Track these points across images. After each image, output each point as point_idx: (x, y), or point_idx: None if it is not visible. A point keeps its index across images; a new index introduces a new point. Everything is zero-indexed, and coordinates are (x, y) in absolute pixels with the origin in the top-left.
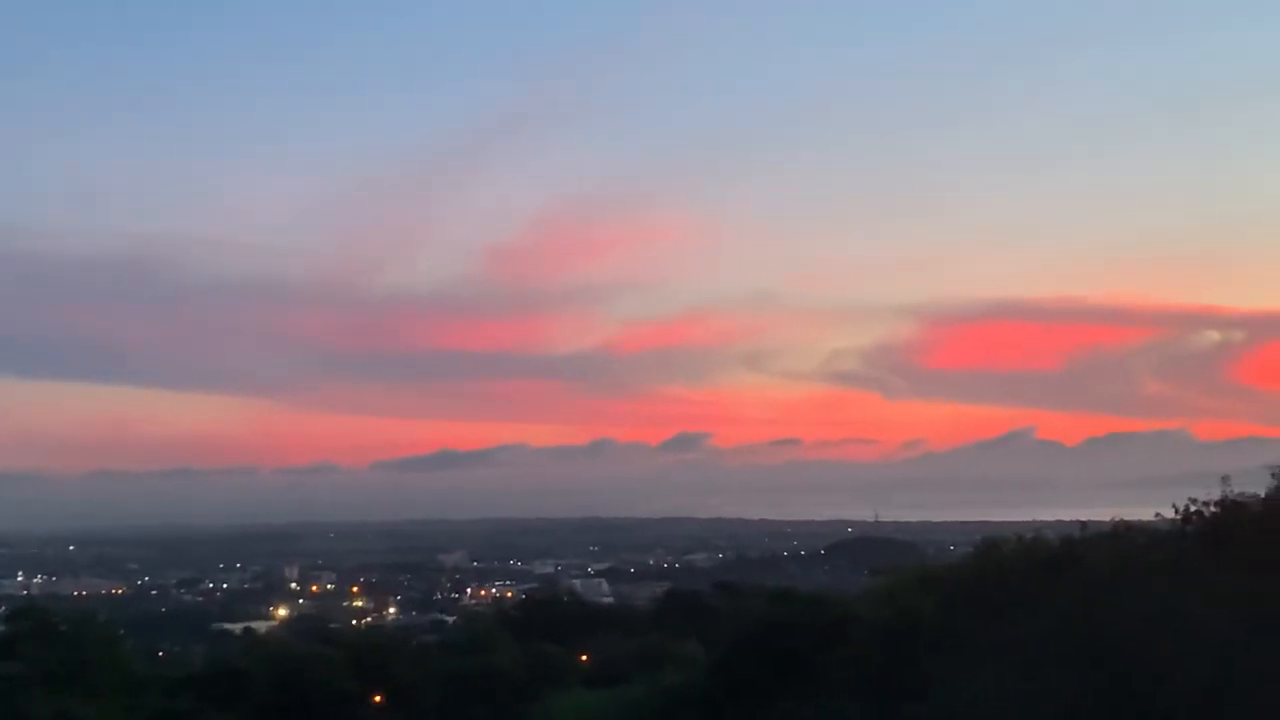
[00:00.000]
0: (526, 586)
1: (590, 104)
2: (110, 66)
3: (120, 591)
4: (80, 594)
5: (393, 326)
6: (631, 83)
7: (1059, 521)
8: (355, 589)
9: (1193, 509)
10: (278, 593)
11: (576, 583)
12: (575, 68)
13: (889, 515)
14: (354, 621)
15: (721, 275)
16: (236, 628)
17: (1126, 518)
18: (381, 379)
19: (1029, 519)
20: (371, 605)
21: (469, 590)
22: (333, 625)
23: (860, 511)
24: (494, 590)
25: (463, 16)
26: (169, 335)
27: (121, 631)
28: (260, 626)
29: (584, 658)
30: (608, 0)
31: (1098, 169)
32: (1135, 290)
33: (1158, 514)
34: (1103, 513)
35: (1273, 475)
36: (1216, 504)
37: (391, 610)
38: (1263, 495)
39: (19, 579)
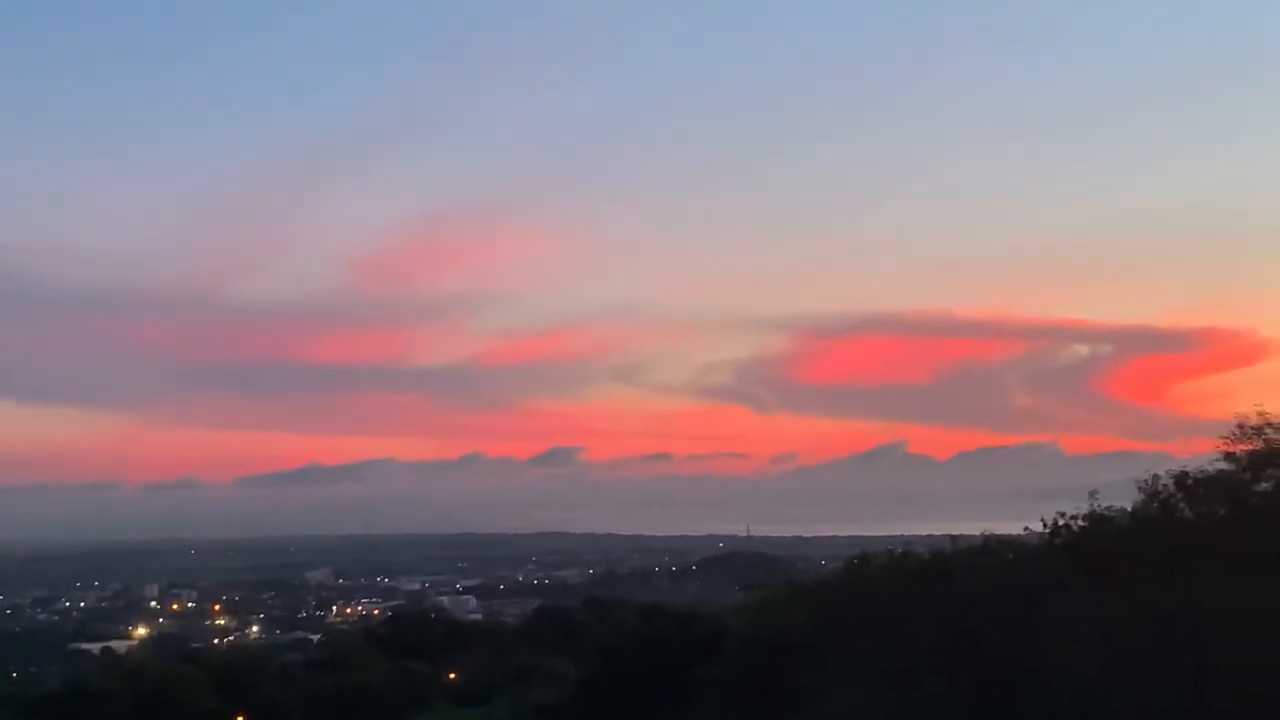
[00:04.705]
0: (393, 604)
1: (456, 111)
2: None
3: None
4: None
5: (256, 338)
6: (496, 89)
7: (930, 536)
8: (217, 607)
9: (1061, 523)
10: (137, 612)
11: (444, 599)
12: (439, 74)
13: (761, 530)
14: (216, 641)
15: (591, 287)
16: (94, 648)
17: (996, 531)
18: (246, 392)
19: (900, 533)
20: (234, 624)
21: (334, 608)
22: (194, 645)
23: (732, 526)
24: (360, 608)
25: (325, 23)
26: (26, 347)
27: None
28: (119, 646)
29: (452, 675)
30: (471, 6)
31: (966, 182)
32: (1004, 304)
33: (1027, 528)
34: (973, 527)
35: (1139, 489)
36: (1084, 518)
37: (254, 629)
38: (1129, 509)
39: None
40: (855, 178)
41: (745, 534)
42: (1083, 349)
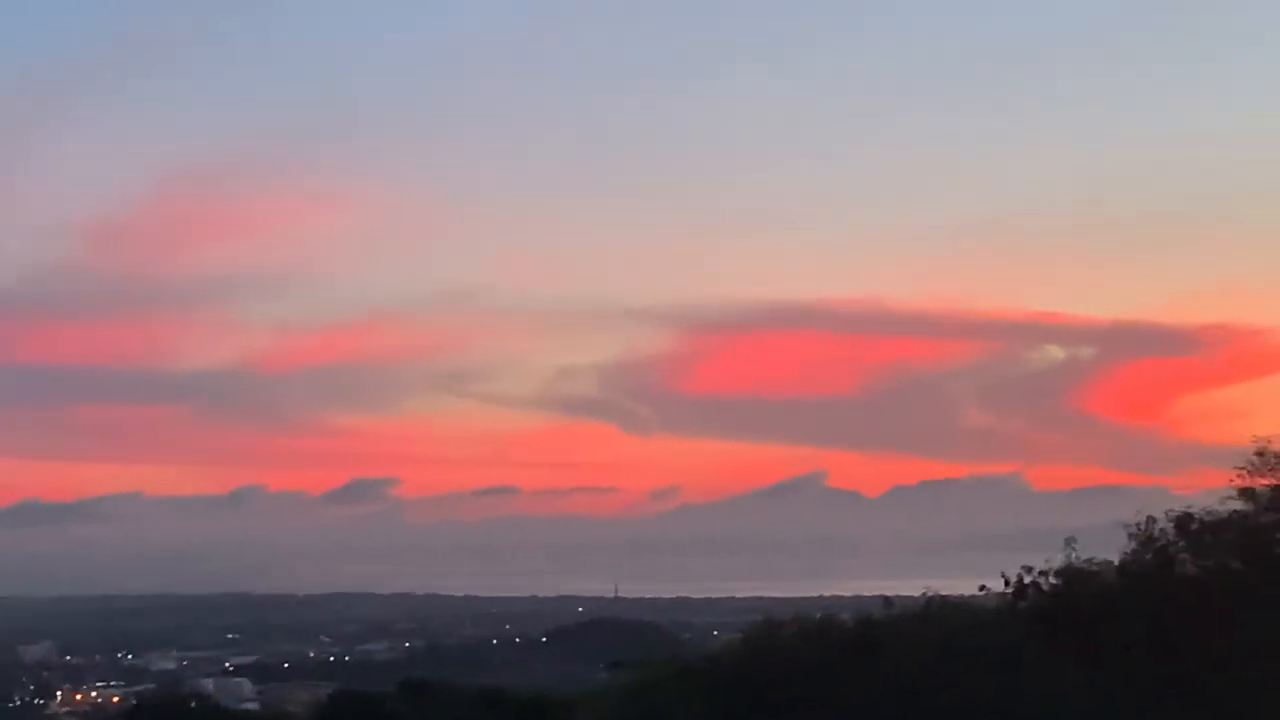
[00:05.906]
0: (139, 688)
1: (221, 36)
2: None
3: None
4: None
5: None
6: (277, 14)
7: (857, 597)
8: None
9: (1027, 580)
10: None
11: (209, 682)
12: None
13: (633, 589)
14: None
15: (408, 267)
16: None
17: (943, 591)
18: None
19: (817, 594)
20: None
21: (59, 694)
22: None
23: (595, 584)
24: (94, 694)
25: None
26: None
27: None
28: None
29: None
30: None
31: (906, 142)
32: (954, 293)
33: (983, 586)
34: (912, 585)
35: (1129, 535)
36: (1058, 573)
37: None
38: (1116, 562)
39: None
40: (758, 128)
41: (613, 595)
42: (1057, 352)
